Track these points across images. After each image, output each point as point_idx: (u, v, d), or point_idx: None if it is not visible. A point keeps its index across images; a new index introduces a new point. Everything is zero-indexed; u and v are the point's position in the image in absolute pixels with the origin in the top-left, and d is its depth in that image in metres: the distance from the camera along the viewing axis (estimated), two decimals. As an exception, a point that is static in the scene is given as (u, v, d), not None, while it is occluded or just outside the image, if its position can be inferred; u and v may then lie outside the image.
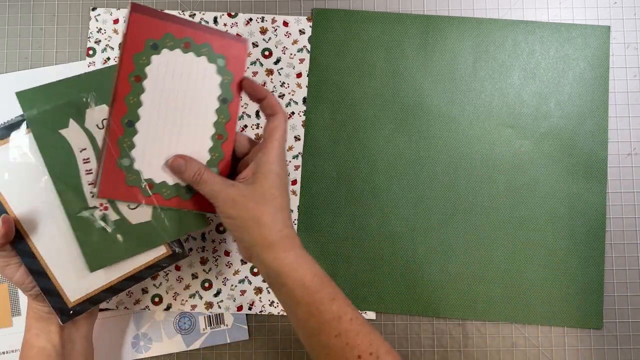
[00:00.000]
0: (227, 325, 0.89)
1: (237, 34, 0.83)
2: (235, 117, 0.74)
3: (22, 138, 0.71)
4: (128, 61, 0.67)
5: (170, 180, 0.72)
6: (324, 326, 0.66)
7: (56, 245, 0.72)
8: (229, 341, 0.89)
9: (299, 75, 0.92)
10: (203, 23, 0.92)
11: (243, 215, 0.68)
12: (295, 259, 0.68)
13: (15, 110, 0.92)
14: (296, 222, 0.91)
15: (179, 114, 0.70)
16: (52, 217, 0.71)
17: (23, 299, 0.90)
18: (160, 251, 0.76)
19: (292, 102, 0.92)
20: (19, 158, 0.70)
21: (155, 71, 0.68)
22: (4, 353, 0.89)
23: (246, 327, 0.89)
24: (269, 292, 0.90)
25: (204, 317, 0.89)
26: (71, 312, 0.73)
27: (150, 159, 0.70)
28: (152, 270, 0.76)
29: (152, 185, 0.71)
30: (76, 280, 0.73)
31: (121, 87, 0.67)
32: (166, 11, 0.94)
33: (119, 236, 0.72)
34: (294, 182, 0.91)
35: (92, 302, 0.74)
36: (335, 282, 0.70)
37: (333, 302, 0.66)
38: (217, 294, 0.90)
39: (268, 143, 0.70)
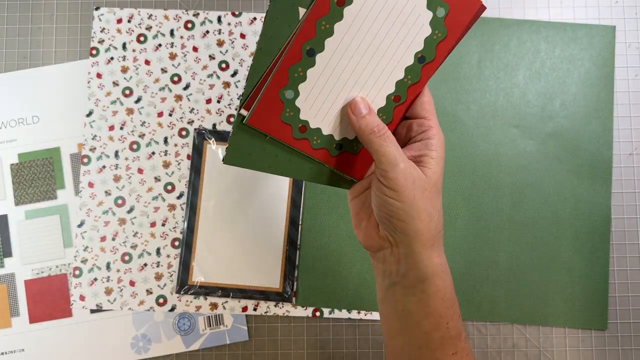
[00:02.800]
0: (226, 326, 0.87)
1: None
2: (424, 83, 0.60)
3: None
4: (310, 26, 0.55)
5: (326, 129, 0.60)
6: (447, 342, 0.59)
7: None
8: (228, 342, 0.87)
9: (302, 74, 0.91)
10: (207, 22, 0.91)
11: (417, 203, 0.56)
12: (445, 265, 0.59)
13: (15, 109, 0.93)
14: (300, 221, 0.90)
15: (366, 59, 0.57)
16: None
17: (22, 299, 0.87)
18: (274, 284, 0.85)
19: (296, 101, 0.91)
20: None
21: (334, 44, 0.56)
22: (3, 354, 0.86)
23: (246, 328, 0.87)
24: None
25: (204, 318, 0.87)
26: (186, 287, 0.86)
27: (313, 100, 0.59)
28: (259, 295, 0.87)
29: (305, 128, 0.60)
30: (206, 266, 0.87)
31: (318, 6, 0.54)
32: (169, 10, 0.92)
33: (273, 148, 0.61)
34: (298, 183, 0.90)
35: (202, 289, 0.87)
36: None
37: (459, 319, 0.60)
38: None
39: (433, 127, 0.59)
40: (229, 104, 0.90)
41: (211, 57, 0.91)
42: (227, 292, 0.87)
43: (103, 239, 0.88)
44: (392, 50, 0.58)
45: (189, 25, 0.91)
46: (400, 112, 0.61)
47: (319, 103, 0.59)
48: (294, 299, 0.87)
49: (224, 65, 0.91)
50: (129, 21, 0.91)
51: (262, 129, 0.58)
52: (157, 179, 0.89)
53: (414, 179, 0.56)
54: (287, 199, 0.88)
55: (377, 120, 0.57)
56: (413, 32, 0.57)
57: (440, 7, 0.56)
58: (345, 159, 0.63)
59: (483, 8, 0.57)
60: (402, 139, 0.62)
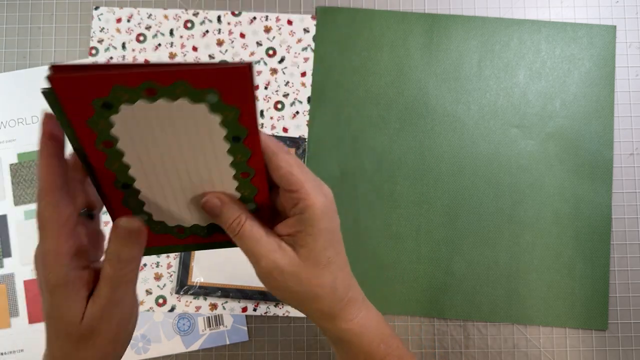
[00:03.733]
0: (226, 327, 0.87)
1: (240, 60, 0.60)
2: (259, 150, 0.51)
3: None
4: (84, 130, 0.46)
5: (203, 221, 0.56)
6: None
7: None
8: (228, 342, 0.87)
9: (303, 74, 0.90)
10: (207, 22, 0.91)
11: (295, 289, 0.53)
12: (360, 327, 0.57)
13: (14, 109, 0.93)
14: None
15: (183, 167, 0.51)
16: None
17: (21, 300, 0.87)
18: None
19: (296, 101, 0.90)
20: None
21: (123, 131, 0.47)
22: (2, 354, 0.86)
23: (245, 328, 0.87)
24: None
25: (204, 318, 0.87)
26: (185, 289, 0.86)
27: (169, 213, 0.54)
28: (259, 295, 0.86)
29: (183, 230, 0.56)
30: (206, 266, 0.87)
31: (95, 157, 0.47)
32: (169, 10, 0.92)
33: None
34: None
35: (201, 289, 0.86)
36: (401, 342, 0.60)
37: None
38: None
39: (303, 198, 0.52)
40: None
41: (211, 57, 0.91)
42: (226, 292, 0.86)
43: (102, 239, 0.88)
44: (200, 150, 0.50)
45: (189, 25, 0.91)
46: (261, 179, 0.53)
47: (176, 210, 0.55)
48: None
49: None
50: (128, 21, 0.91)
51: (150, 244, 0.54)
52: (156, 179, 0.89)
53: (281, 270, 0.52)
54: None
55: (233, 215, 0.53)
56: (203, 127, 0.48)
57: (208, 94, 0.46)
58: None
59: (250, 69, 0.44)
60: (284, 211, 0.56)
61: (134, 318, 0.54)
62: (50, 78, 0.42)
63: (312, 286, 0.53)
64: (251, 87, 0.45)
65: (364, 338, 0.57)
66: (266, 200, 0.56)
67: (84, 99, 0.44)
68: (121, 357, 0.54)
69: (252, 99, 0.47)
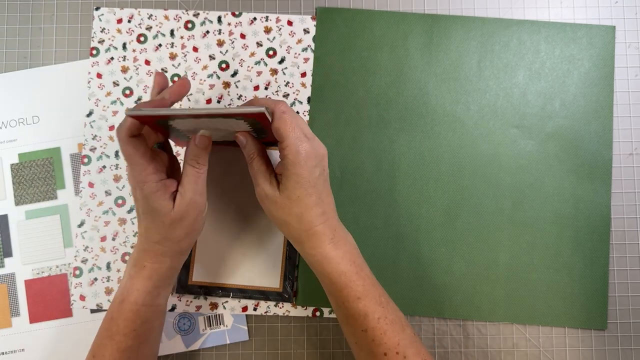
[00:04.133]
0: (226, 326, 0.87)
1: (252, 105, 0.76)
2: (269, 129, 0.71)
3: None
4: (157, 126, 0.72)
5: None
6: (350, 320, 0.71)
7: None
8: (228, 342, 0.87)
9: (303, 74, 0.90)
10: (207, 23, 0.91)
11: (275, 214, 0.72)
12: (322, 257, 0.71)
13: (15, 109, 0.92)
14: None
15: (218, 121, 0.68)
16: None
17: (22, 299, 0.87)
18: (274, 284, 0.87)
19: (296, 101, 0.90)
20: None
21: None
22: (3, 354, 0.86)
23: (246, 327, 0.87)
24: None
25: (204, 317, 0.87)
26: (186, 287, 0.87)
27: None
28: (259, 295, 0.87)
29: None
30: (206, 265, 0.88)
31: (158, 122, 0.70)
32: (169, 10, 0.92)
33: None
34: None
35: (202, 289, 0.87)
36: (374, 279, 0.74)
37: (359, 301, 0.70)
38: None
39: (285, 147, 0.68)
40: (229, 104, 0.90)
41: (211, 57, 0.91)
42: (227, 291, 0.86)
43: (103, 239, 0.88)
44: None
45: (189, 26, 0.91)
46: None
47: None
48: (294, 298, 0.87)
49: (224, 66, 0.91)
50: (129, 21, 0.91)
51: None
52: (157, 179, 0.89)
53: (267, 196, 0.72)
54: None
55: (250, 150, 0.73)
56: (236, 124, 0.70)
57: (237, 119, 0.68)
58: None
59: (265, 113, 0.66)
60: None
61: (205, 211, 0.74)
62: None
63: (284, 214, 0.71)
64: (268, 123, 0.68)
65: (327, 266, 0.71)
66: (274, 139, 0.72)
67: (150, 123, 0.69)
68: (195, 240, 0.76)
69: (270, 132, 0.70)
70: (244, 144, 0.73)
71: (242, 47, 0.91)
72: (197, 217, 0.72)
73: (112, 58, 0.91)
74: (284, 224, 0.72)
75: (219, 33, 0.91)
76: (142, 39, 0.91)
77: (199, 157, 0.70)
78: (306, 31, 0.90)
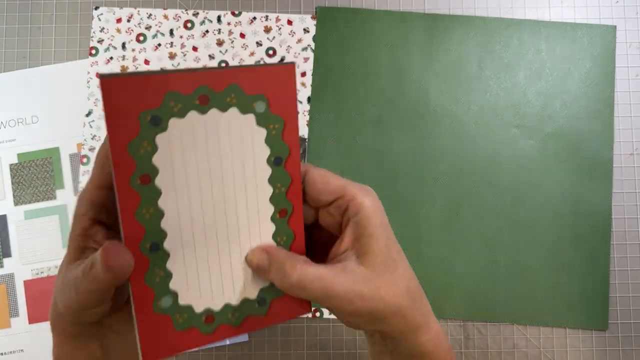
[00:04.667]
0: (227, 327, 0.88)
1: (280, 61, 0.54)
2: (299, 177, 0.49)
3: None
4: (122, 156, 0.41)
5: (235, 298, 0.48)
6: None
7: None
8: (228, 343, 0.86)
9: (303, 74, 0.90)
10: (207, 22, 0.91)
11: (379, 307, 0.47)
12: (437, 336, 0.51)
13: (14, 109, 0.93)
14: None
15: (220, 208, 0.46)
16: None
17: (21, 300, 0.87)
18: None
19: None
20: None
21: (168, 159, 0.43)
22: (2, 354, 0.86)
23: (247, 328, 0.88)
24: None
25: (205, 318, 0.88)
26: None
27: (199, 284, 0.47)
28: None
29: (212, 317, 0.48)
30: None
31: (125, 200, 0.42)
32: (168, 10, 0.93)
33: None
34: (297, 183, 0.88)
35: None
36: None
37: None
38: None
39: (351, 198, 0.49)
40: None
41: (211, 57, 0.90)
42: None
43: (102, 239, 0.88)
44: (241, 180, 0.47)
45: (189, 25, 0.91)
46: (298, 220, 0.50)
47: (206, 282, 0.47)
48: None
49: (223, 65, 0.90)
50: (128, 21, 0.91)
51: (168, 354, 0.46)
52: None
53: (361, 294, 0.46)
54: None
55: (283, 263, 0.47)
56: (249, 146, 0.47)
57: (257, 102, 0.46)
58: (283, 304, 0.51)
59: (294, 68, 0.47)
60: (334, 229, 0.52)
61: None
62: (100, 79, 0.39)
63: (393, 298, 0.47)
64: (295, 92, 0.47)
65: (440, 350, 0.51)
66: (302, 248, 0.51)
67: (132, 110, 0.41)
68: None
69: (296, 108, 0.47)
70: (266, 265, 0.48)
71: (242, 47, 0.90)
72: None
73: (111, 58, 0.90)
74: (396, 312, 0.48)
75: (219, 32, 0.90)
76: (141, 38, 0.91)
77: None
78: (306, 30, 0.90)
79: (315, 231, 0.53)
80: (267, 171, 0.48)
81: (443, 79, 0.89)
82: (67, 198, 0.89)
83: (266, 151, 0.47)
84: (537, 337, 0.87)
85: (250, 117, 0.46)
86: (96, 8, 0.91)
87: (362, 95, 0.89)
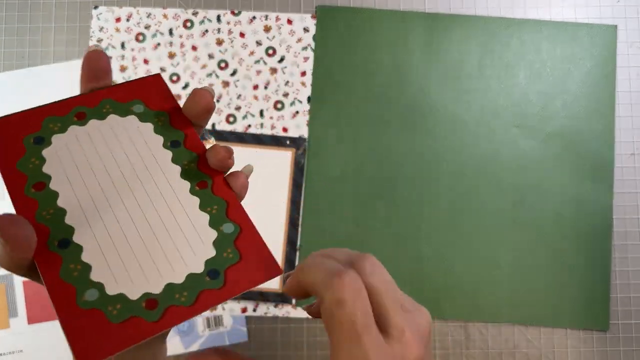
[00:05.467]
0: (226, 327, 0.86)
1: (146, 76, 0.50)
2: (203, 150, 0.48)
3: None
4: (12, 172, 0.43)
5: (175, 276, 0.43)
6: None
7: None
8: (227, 343, 0.86)
9: (303, 73, 0.89)
10: (206, 22, 0.89)
11: None
12: None
13: (12, 108, 0.93)
14: (300, 222, 0.90)
15: (125, 191, 0.45)
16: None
17: (20, 300, 0.86)
18: (273, 285, 0.78)
19: (296, 101, 0.89)
20: None
21: (57, 165, 0.44)
22: (1, 355, 0.86)
23: (245, 329, 0.86)
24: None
25: (203, 318, 0.86)
26: None
27: (125, 269, 0.43)
28: (259, 296, 0.82)
29: (154, 302, 0.42)
30: None
31: (21, 206, 0.42)
32: (168, 9, 0.92)
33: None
34: (298, 183, 0.89)
35: None
36: None
37: None
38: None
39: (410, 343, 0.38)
40: (228, 103, 0.89)
41: (210, 56, 0.90)
42: None
43: (101, 239, 0.87)
44: (139, 160, 0.47)
45: (188, 24, 0.90)
46: (224, 190, 0.48)
47: (135, 266, 0.43)
48: (293, 300, 0.87)
49: (223, 65, 0.90)
50: (127, 20, 0.91)
51: (106, 354, 0.40)
52: (156, 179, 0.88)
53: None
54: (286, 201, 0.87)
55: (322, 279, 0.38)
56: (136, 136, 0.47)
57: (134, 105, 0.48)
58: (236, 275, 0.45)
59: (160, 76, 0.49)
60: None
61: None
62: None
63: None
64: (169, 91, 0.49)
65: None
66: (255, 232, 0.47)
67: (16, 138, 0.45)
68: None
69: (175, 102, 0.49)
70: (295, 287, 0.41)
71: (242, 46, 0.90)
72: None
73: (110, 57, 0.90)
74: None
75: (218, 32, 0.90)
76: (140, 37, 0.90)
77: None
78: (306, 30, 0.90)
79: None
80: (168, 154, 0.47)
81: (443, 79, 0.89)
82: (66, 198, 0.88)
83: (159, 139, 0.48)
84: (538, 337, 0.86)
85: (132, 118, 0.48)
86: (95, 7, 0.91)
87: (363, 94, 0.89)
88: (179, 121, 0.49)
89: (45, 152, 0.45)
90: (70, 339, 0.39)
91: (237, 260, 0.45)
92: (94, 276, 0.42)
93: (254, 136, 0.88)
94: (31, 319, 0.87)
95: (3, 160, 0.44)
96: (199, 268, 0.44)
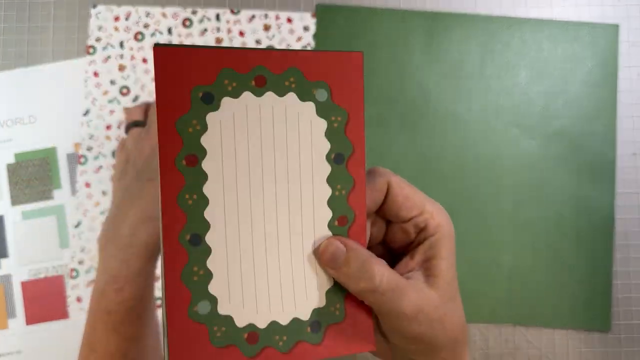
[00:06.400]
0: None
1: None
2: (363, 180, 0.44)
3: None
4: (169, 133, 0.38)
5: (283, 315, 0.41)
6: None
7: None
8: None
9: (302, 73, 0.89)
10: (205, 21, 0.88)
11: (439, 337, 0.43)
12: None
13: (11, 108, 0.90)
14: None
15: (270, 205, 0.41)
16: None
17: (19, 301, 0.86)
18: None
19: (295, 100, 0.89)
20: None
21: (217, 141, 0.39)
22: None
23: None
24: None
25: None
26: None
27: (240, 292, 0.40)
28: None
29: (255, 336, 0.40)
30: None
31: (167, 181, 0.38)
32: (167, 8, 0.91)
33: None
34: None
35: None
36: None
37: None
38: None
39: (429, 217, 0.45)
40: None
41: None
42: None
43: (100, 239, 0.87)
44: (296, 175, 0.42)
45: (187, 23, 0.90)
46: (360, 233, 0.44)
47: (250, 293, 0.41)
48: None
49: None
50: (126, 19, 0.90)
51: None
52: (154, 179, 0.88)
53: (426, 314, 0.42)
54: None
55: (360, 258, 0.41)
56: (307, 139, 0.42)
57: (318, 90, 0.42)
58: (335, 335, 0.43)
59: (362, 57, 0.42)
60: (403, 245, 0.48)
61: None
62: (154, 48, 0.37)
63: (452, 328, 0.44)
64: (362, 83, 0.42)
65: None
66: None
67: (184, 85, 0.39)
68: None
69: (362, 100, 0.42)
70: (343, 256, 0.41)
71: (241, 45, 0.89)
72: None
73: (109, 56, 0.89)
74: (451, 344, 0.44)
75: (218, 31, 0.89)
76: (139, 37, 0.89)
77: None
78: (306, 29, 0.89)
79: (373, 247, 0.49)
80: (326, 169, 0.42)
81: (444, 78, 0.88)
82: (65, 198, 0.88)
83: (326, 146, 0.42)
84: (539, 338, 0.86)
85: (310, 106, 0.42)
86: (94, 6, 0.90)
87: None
88: (354, 128, 0.43)
89: (209, 118, 0.39)
90: (172, 350, 0.38)
91: (341, 320, 0.43)
92: (212, 288, 0.40)
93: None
94: (29, 320, 0.86)
95: (164, 112, 0.38)
96: (306, 315, 0.42)
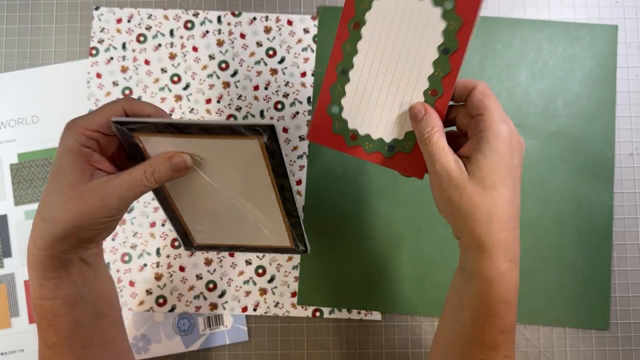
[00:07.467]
0: (226, 327, 0.85)
1: None
2: (456, 72, 0.59)
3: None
4: (349, 7, 0.60)
5: (375, 133, 0.64)
6: (475, 343, 0.57)
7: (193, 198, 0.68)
8: (228, 342, 0.85)
9: (303, 74, 0.88)
10: (207, 22, 0.88)
11: (455, 201, 0.55)
12: (499, 274, 0.55)
13: (14, 109, 0.90)
14: (302, 222, 0.88)
15: (392, 65, 0.61)
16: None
17: (22, 300, 0.85)
18: (284, 243, 0.74)
19: (296, 101, 0.87)
20: None
21: (374, 17, 0.60)
22: (3, 354, 0.85)
23: (245, 328, 0.85)
24: (273, 293, 0.85)
25: (203, 318, 0.85)
26: (195, 247, 0.76)
27: (356, 110, 0.63)
28: (271, 250, 0.76)
29: (355, 137, 0.64)
30: (205, 232, 0.74)
31: (340, 34, 0.61)
32: (169, 10, 0.90)
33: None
34: (299, 182, 0.87)
35: (211, 248, 0.77)
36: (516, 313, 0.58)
37: (500, 334, 0.57)
38: (221, 295, 0.85)
39: (486, 120, 0.56)
40: (229, 104, 0.88)
41: (211, 57, 0.89)
42: (237, 249, 0.76)
43: (103, 239, 0.87)
44: (415, 51, 0.60)
45: (189, 25, 0.89)
46: (443, 105, 0.61)
47: (362, 112, 0.63)
48: (305, 250, 0.77)
49: (223, 65, 0.89)
50: (128, 21, 0.90)
51: (320, 142, 0.66)
52: (157, 179, 0.87)
53: (449, 178, 0.56)
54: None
55: (430, 123, 0.58)
56: (429, 31, 0.59)
57: (447, 1, 0.58)
58: (400, 158, 0.64)
59: None
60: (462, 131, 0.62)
61: (107, 222, 0.58)
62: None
63: (469, 203, 0.55)
64: (479, 3, 0.56)
65: (491, 287, 0.55)
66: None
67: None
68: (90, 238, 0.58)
69: (476, 16, 0.57)
70: (420, 116, 0.59)
71: (242, 47, 0.89)
72: (93, 221, 0.56)
73: (111, 58, 0.89)
74: (465, 216, 0.55)
75: (219, 33, 0.89)
76: (141, 38, 0.89)
77: (161, 176, 0.58)
78: (306, 31, 0.89)
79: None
80: (435, 55, 0.59)
81: (444, 79, 0.88)
82: (68, 198, 0.87)
83: (440, 40, 0.59)
84: (537, 336, 0.85)
85: (438, 10, 0.58)
86: (96, 8, 0.90)
87: (363, 95, 0.88)
88: (463, 33, 0.58)
89: (375, 2, 0.60)
90: (312, 125, 0.66)
91: (408, 152, 0.64)
92: (343, 101, 0.64)
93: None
94: (32, 319, 0.86)
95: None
96: (388, 139, 0.64)
